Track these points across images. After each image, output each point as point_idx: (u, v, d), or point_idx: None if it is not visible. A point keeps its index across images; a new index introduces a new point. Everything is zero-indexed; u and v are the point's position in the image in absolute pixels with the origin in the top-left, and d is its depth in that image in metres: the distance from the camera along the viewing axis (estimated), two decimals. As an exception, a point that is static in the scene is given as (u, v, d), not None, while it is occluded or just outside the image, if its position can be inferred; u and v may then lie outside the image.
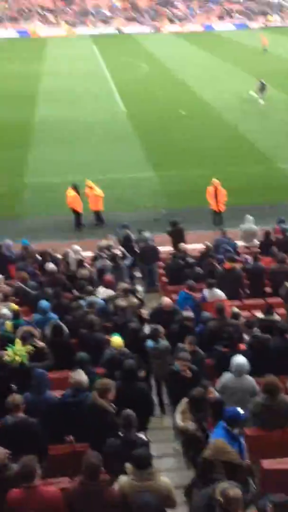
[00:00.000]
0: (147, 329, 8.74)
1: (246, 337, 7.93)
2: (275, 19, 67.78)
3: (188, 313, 8.45)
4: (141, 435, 5.82)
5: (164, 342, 8.05)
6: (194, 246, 13.66)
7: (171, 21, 67.70)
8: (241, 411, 5.68)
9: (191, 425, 6.20)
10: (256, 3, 71.05)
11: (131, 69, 41.76)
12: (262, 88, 29.91)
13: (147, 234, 13.50)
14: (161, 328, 8.13)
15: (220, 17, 68.61)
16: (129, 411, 5.54)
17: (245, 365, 6.74)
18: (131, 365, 6.70)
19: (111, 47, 53.27)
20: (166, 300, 9.04)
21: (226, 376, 6.84)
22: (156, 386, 8.37)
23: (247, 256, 11.73)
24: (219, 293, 9.59)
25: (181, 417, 6.35)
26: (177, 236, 13.63)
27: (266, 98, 30.20)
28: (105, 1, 70.78)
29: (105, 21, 67.46)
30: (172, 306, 9.00)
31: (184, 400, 6.42)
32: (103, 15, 68.08)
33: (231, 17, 68.60)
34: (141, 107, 30.79)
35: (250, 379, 6.80)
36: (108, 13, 68.67)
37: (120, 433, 5.49)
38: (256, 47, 47.61)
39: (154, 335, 8.07)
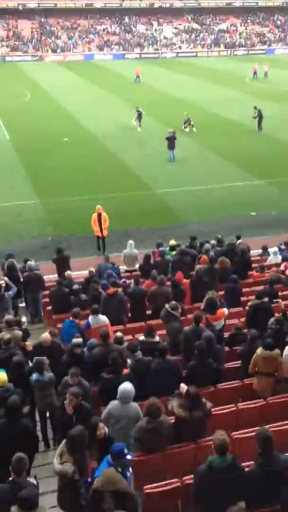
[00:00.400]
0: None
1: (129, 361, 8.24)
2: (149, 51, 71.12)
3: (77, 340, 8.46)
4: (31, 479, 5.67)
5: (48, 374, 8.06)
6: (79, 273, 13.92)
7: (54, 50, 68.42)
8: (126, 450, 5.76)
9: (69, 468, 5.76)
10: (132, 36, 74.05)
11: (14, 97, 41.52)
12: (139, 116, 31.22)
13: (32, 262, 13.43)
14: (45, 360, 8.15)
15: (100, 48, 70.57)
16: (22, 454, 5.47)
17: (130, 391, 6.86)
18: (15, 402, 6.62)
19: None
20: (45, 336, 8.80)
21: (112, 404, 6.95)
22: (40, 420, 8.32)
23: (128, 281, 12.17)
24: (103, 319, 9.84)
25: (59, 460, 5.92)
26: (62, 264, 13.70)
27: (142, 126, 31.54)
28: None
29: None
30: (51, 342, 8.76)
31: (64, 441, 6.13)
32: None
33: (109, 48, 70.83)
34: (25, 135, 30.72)
35: (134, 405, 6.94)
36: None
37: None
38: (132, 77, 49.63)
39: (38, 367, 8.05)
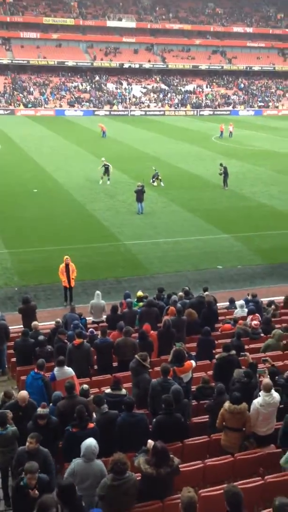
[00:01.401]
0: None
1: (95, 414, 8.05)
2: (119, 108, 73.49)
3: (42, 411, 7.79)
4: None
5: (12, 428, 7.78)
6: (45, 324, 13.71)
7: (25, 105, 69.95)
8: None
9: None
10: (102, 93, 76.54)
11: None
12: (106, 170, 31.86)
13: (-3, 313, 13.22)
14: (9, 414, 7.88)
15: (71, 104, 72.54)
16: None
17: (94, 448, 6.60)
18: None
19: None
20: (22, 394, 8.36)
21: (75, 462, 6.66)
22: (1, 476, 7.96)
23: (95, 331, 12.04)
24: (69, 371, 9.63)
25: None
26: (28, 314, 13.49)
27: (111, 179, 32.15)
28: None
29: None
30: (27, 401, 8.33)
31: None
32: None
33: (80, 104, 72.89)
34: (-7, 185, 30.83)
35: (98, 463, 6.68)
36: None
37: None
38: (99, 132, 50.99)
39: (1, 421, 7.76)
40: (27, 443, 6.93)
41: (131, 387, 9.37)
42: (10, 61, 75.91)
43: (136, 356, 9.49)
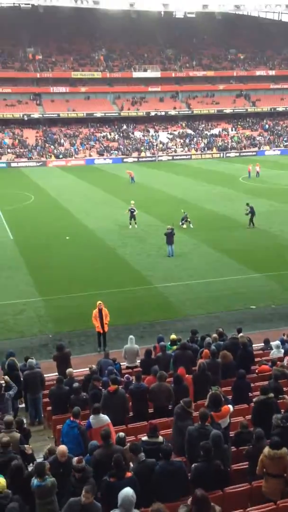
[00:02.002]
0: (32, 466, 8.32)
1: (132, 463, 7.91)
2: (146, 155, 75.04)
3: (79, 465, 7.53)
4: None
5: (50, 479, 7.65)
6: (80, 370, 13.72)
7: (57, 156, 72.29)
8: None
9: None
10: (130, 141, 78.52)
11: (19, 200, 43.30)
12: (132, 215, 32.33)
13: (33, 360, 13.28)
14: (47, 464, 7.80)
15: (100, 153, 74.57)
16: None
17: (132, 498, 6.38)
18: (13, 510, 6.31)
19: (0, 179, 56.40)
20: (62, 449, 8.14)
21: None
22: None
23: (130, 376, 11.96)
24: (104, 418, 9.54)
25: None
26: (62, 361, 13.53)
27: (139, 223, 32.55)
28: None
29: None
30: (67, 456, 8.07)
31: None
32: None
33: (109, 153, 74.86)
34: (28, 235, 31.69)
35: None
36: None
37: None
38: (128, 178, 52.02)
39: (39, 472, 7.63)
40: (82, 497, 6.69)
41: (171, 434, 9.18)
42: (41, 115, 78.98)
43: (181, 401, 9.29)
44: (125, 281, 22.86)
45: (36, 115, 78.60)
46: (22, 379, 12.68)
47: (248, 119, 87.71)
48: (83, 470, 7.54)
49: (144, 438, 8.56)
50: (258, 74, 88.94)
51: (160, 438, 8.51)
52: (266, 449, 7.67)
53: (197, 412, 8.68)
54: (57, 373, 13.27)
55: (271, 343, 14.68)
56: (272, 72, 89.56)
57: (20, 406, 12.99)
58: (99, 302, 16.94)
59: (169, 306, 20.26)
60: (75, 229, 32.80)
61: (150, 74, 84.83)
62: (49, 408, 11.92)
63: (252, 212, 31.48)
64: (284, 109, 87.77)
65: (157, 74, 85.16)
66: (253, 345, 14.33)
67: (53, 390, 11.59)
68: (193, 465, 7.68)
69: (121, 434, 8.85)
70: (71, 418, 9.49)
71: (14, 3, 77.33)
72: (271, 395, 9.63)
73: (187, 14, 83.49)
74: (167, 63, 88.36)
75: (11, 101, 78.61)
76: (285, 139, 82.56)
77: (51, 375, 13.56)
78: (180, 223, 32.01)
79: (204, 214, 35.49)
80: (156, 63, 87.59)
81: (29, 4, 73.59)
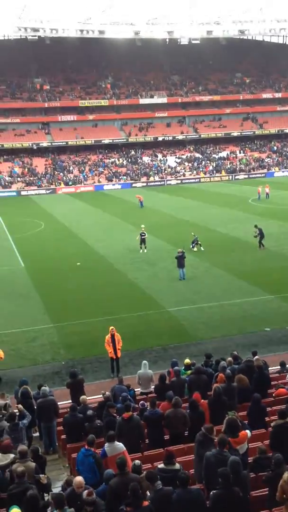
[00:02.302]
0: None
1: (148, 492, 7.74)
2: (155, 179, 75.57)
3: (90, 498, 7.44)
4: None
5: (70, 510, 7.50)
6: (94, 397, 13.58)
7: (66, 183, 73.11)
8: None
9: None
10: (139, 166, 79.21)
11: (29, 227, 43.69)
12: (143, 240, 32.37)
13: (46, 388, 13.16)
14: (64, 496, 7.63)
15: (109, 179, 75.28)
16: None
17: None
18: None
19: (11, 207, 57.05)
20: (78, 480, 7.96)
21: None
22: None
23: (145, 403, 11.80)
24: (119, 446, 9.38)
25: None
26: (76, 388, 13.41)
27: (150, 247, 32.60)
28: (5, 168, 75.44)
29: (5, 185, 71.38)
30: (83, 487, 7.87)
31: None
32: (3, 180, 72.05)
33: (118, 178, 75.54)
34: (39, 262, 31.82)
35: None
36: (8, 178, 72.95)
37: None
38: (137, 202, 52.19)
39: (59, 504, 7.49)
40: None
41: (193, 462, 8.98)
42: (50, 144, 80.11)
43: (202, 428, 9.12)
44: (137, 305, 22.77)
45: (45, 143, 79.74)
46: (35, 407, 12.57)
47: (256, 141, 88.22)
48: (93, 504, 7.41)
49: (161, 465, 8.40)
50: (264, 97, 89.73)
51: (177, 465, 8.35)
52: (286, 475, 7.47)
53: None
54: (70, 401, 13.14)
55: (287, 366, 14.44)
56: (278, 95, 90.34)
57: (34, 435, 12.84)
58: (112, 327, 16.85)
59: (182, 329, 20.10)
60: (85, 254, 32.90)
61: (156, 100, 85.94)
62: (63, 436, 11.77)
63: (261, 234, 31.38)
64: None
65: (163, 100, 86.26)
66: (269, 368, 14.12)
67: (67, 418, 11.46)
68: (211, 493, 7.52)
69: (137, 462, 8.69)
70: (86, 447, 9.37)
71: (21, 36, 79.15)
72: (289, 419, 9.43)
73: (192, 40, 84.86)
74: (173, 89, 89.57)
75: (20, 131, 79.88)
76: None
77: (64, 403, 13.45)
78: (191, 246, 31.99)
79: (215, 237, 35.47)
80: (163, 89, 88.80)
81: (35, 36, 75.27)
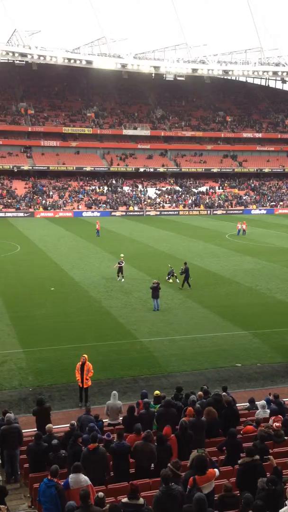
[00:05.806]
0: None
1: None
2: (134, 209, 76.08)
3: None
4: None
5: None
6: (60, 426, 13.27)
7: (45, 208, 73.00)
8: None
9: None
10: (119, 195, 79.78)
11: (4, 250, 43.35)
12: (120, 269, 32.33)
13: (11, 415, 12.81)
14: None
15: (88, 206, 75.50)
16: None
17: None
18: None
19: None
20: None
21: None
22: None
23: (111, 434, 11.57)
24: (83, 478, 9.16)
25: None
26: (42, 416, 13.09)
27: (126, 276, 32.56)
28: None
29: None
30: None
31: None
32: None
33: (97, 206, 75.81)
34: (12, 285, 31.45)
35: None
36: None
37: None
38: (118, 233, 52.36)
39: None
40: None
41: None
42: (31, 167, 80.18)
43: (169, 464, 8.95)
44: (110, 334, 22.57)
45: (26, 167, 79.79)
46: (-1, 434, 12.21)
47: (235, 178, 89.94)
48: None
49: (125, 500, 8.20)
50: (245, 136, 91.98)
51: (141, 500, 8.17)
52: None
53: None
54: (36, 429, 12.81)
55: (256, 402, 14.41)
56: (258, 135, 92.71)
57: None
58: (84, 355, 16.61)
59: (154, 361, 19.95)
60: (60, 280, 32.66)
61: (140, 132, 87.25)
62: (26, 465, 11.42)
63: (187, 273, 30.52)
64: (270, 170, 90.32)
65: (146, 132, 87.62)
66: (238, 404, 14.05)
67: (31, 447, 11.14)
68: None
69: (100, 494, 8.50)
70: (49, 477, 9.11)
71: (8, 59, 79.84)
72: (257, 457, 9.37)
73: (177, 77, 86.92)
74: (156, 122, 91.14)
75: (1, 153, 79.91)
76: (270, 199, 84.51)
77: (29, 431, 13.07)
78: (167, 278, 32.06)
79: (191, 269, 35.58)
80: (146, 121, 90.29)
81: (23, 61, 76.04)
